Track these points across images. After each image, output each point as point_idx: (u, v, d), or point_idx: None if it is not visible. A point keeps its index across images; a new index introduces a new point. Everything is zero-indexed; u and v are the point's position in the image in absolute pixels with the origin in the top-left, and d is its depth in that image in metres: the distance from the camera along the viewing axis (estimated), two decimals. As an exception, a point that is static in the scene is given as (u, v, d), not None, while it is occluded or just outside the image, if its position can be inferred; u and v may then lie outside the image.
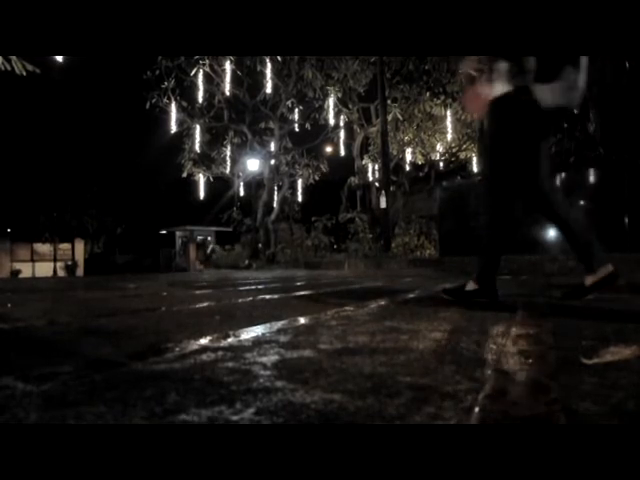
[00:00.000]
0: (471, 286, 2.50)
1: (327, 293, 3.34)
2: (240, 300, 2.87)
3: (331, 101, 17.12)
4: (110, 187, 31.00)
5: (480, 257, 2.54)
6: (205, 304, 2.60)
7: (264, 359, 1.13)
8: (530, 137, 2.43)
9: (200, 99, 17.67)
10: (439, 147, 17.15)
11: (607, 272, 2.35)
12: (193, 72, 16.97)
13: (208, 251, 23.81)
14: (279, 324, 1.74)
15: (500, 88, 2.37)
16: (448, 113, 15.98)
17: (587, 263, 2.40)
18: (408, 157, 17.48)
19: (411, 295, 2.83)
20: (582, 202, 7.07)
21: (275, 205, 18.86)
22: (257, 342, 1.36)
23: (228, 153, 19.04)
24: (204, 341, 1.38)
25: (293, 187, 19.89)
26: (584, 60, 2.32)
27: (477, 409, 0.75)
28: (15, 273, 22.46)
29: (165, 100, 17.35)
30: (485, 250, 2.53)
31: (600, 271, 2.36)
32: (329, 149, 20.59)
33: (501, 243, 2.52)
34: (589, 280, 2.38)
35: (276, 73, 17.00)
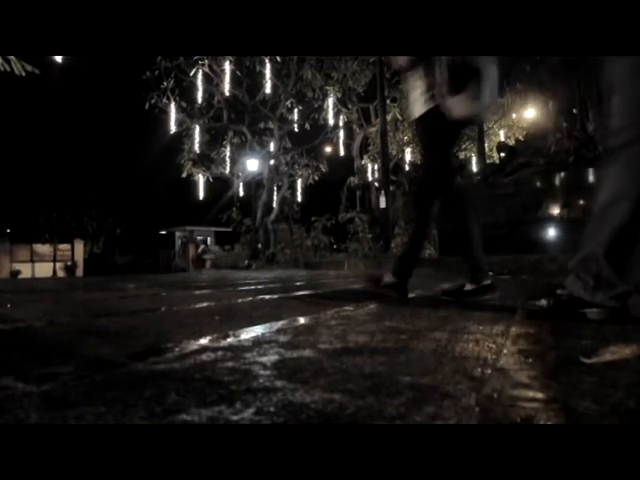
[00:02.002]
0: (469, 287, 2.61)
1: (327, 293, 3.34)
2: (240, 300, 2.87)
3: (330, 101, 17.13)
4: (110, 188, 31.01)
5: (466, 257, 2.67)
6: (205, 304, 2.60)
7: (264, 359, 1.13)
8: (443, 147, 2.69)
9: (199, 99, 17.68)
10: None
11: (486, 284, 2.61)
12: (192, 72, 16.97)
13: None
14: (279, 324, 1.74)
15: (420, 108, 2.67)
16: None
17: (473, 273, 2.63)
18: (407, 157, 17.49)
19: (411, 295, 2.83)
20: (581, 201, 7.07)
21: (275, 205, 18.86)
22: (257, 342, 1.36)
23: (227, 153, 19.04)
24: (204, 341, 1.38)
25: (293, 187, 19.89)
26: (492, 73, 2.52)
27: (477, 409, 0.75)
28: (15, 274, 22.43)
29: (164, 100, 17.35)
30: (464, 249, 2.70)
31: (482, 283, 2.61)
32: (328, 149, 20.60)
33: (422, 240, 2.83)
34: (469, 287, 2.63)
35: (275, 73, 17.01)
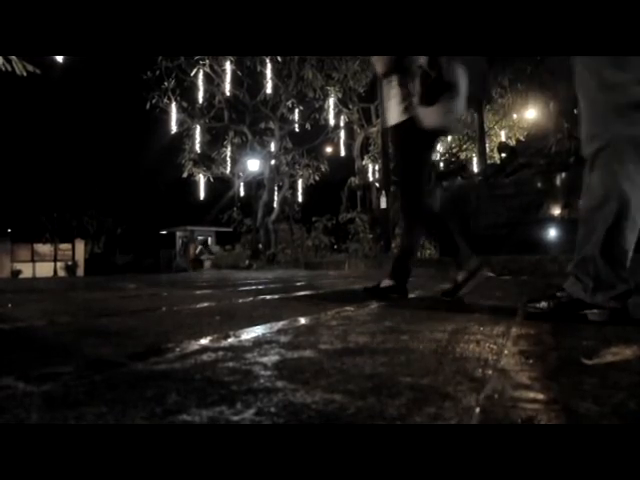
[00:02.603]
0: (460, 276, 2.66)
1: (327, 293, 3.34)
2: (240, 300, 2.87)
3: (331, 101, 17.13)
4: (110, 187, 31.02)
5: (453, 255, 2.75)
6: (205, 304, 2.60)
7: (265, 359, 1.13)
8: (416, 155, 2.81)
9: (200, 99, 17.68)
10: (439, 147, 17.15)
11: (475, 267, 2.64)
12: (193, 72, 16.97)
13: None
14: (279, 324, 1.74)
15: (394, 117, 2.79)
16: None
17: (460, 264, 2.67)
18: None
19: (411, 295, 2.82)
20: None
21: (275, 205, 18.85)
22: (257, 342, 1.36)
23: (228, 153, 19.04)
24: (204, 341, 1.38)
25: (293, 187, 19.89)
26: (463, 88, 2.64)
27: (478, 409, 0.75)
28: (16, 273, 22.44)
29: (165, 100, 17.35)
30: (448, 248, 2.77)
31: (471, 269, 2.64)
32: (329, 149, 20.59)
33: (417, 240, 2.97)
34: (460, 276, 2.64)
35: (276, 73, 17.01)
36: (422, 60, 2.61)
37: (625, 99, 1.64)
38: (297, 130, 18.56)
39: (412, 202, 2.80)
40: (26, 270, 23.22)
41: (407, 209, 2.88)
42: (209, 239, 26.22)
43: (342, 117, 17.90)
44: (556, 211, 7.53)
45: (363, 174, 18.06)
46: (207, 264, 20.72)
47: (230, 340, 1.41)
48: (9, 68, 6.59)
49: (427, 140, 2.79)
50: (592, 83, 1.73)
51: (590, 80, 1.74)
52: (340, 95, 16.88)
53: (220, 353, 1.20)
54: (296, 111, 17.98)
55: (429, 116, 2.60)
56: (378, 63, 2.87)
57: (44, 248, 25.01)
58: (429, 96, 2.58)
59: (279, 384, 0.90)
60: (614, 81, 1.66)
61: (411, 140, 2.75)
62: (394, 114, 2.80)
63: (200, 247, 23.70)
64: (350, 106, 17.42)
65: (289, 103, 17.60)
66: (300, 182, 19.67)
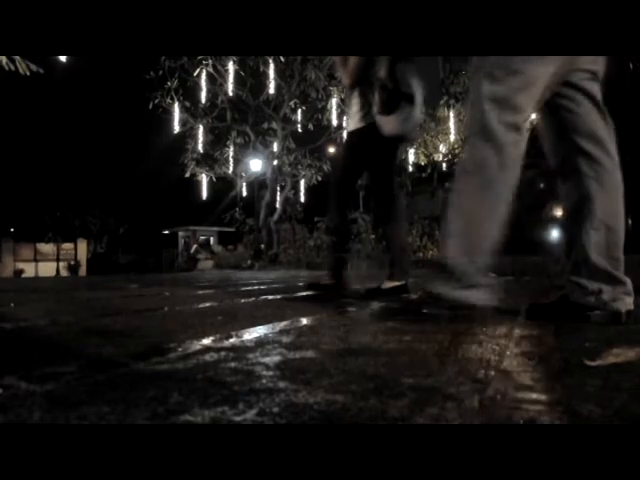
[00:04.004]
0: (387, 284, 3.04)
1: (329, 294, 3.34)
2: (242, 300, 2.87)
3: (334, 102, 17.11)
4: (113, 187, 31.06)
5: (330, 254, 3.25)
6: (208, 304, 2.60)
7: (267, 359, 1.13)
8: (360, 160, 3.15)
9: (203, 99, 17.67)
10: (442, 148, 17.15)
11: (400, 285, 3.03)
12: (196, 72, 16.97)
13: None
14: (281, 324, 1.74)
15: (355, 123, 3.10)
16: (451, 114, 15.97)
17: (392, 272, 3.05)
18: (411, 158, 17.46)
19: (414, 296, 2.82)
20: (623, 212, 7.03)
21: (278, 205, 18.84)
22: (260, 342, 1.36)
23: (231, 153, 19.02)
24: (207, 341, 1.38)
25: (296, 187, 19.86)
26: (419, 98, 2.92)
27: (480, 411, 0.75)
28: (18, 273, 22.50)
29: (168, 100, 17.35)
30: (334, 248, 3.25)
31: (396, 283, 3.02)
32: (332, 150, 20.57)
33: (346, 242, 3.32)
34: (387, 284, 3.03)
35: (279, 74, 16.99)
36: (381, 73, 2.92)
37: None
38: (300, 130, 18.54)
39: (340, 202, 3.24)
40: (29, 269, 23.28)
41: (337, 209, 3.23)
42: (211, 239, 26.23)
43: (345, 117, 17.88)
44: (558, 212, 7.51)
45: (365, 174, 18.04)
46: (206, 264, 20.64)
47: (232, 340, 1.41)
48: (12, 68, 6.60)
49: (388, 147, 3.07)
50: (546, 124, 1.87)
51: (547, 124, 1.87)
52: (343, 95, 16.86)
53: (222, 353, 1.20)
54: (299, 111, 17.96)
55: (388, 124, 2.89)
56: (345, 75, 3.18)
57: (47, 247, 25.08)
58: (387, 106, 2.88)
59: (281, 384, 0.90)
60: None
61: (366, 146, 3.07)
62: (353, 121, 3.13)
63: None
64: (352, 106, 17.39)
65: (292, 103, 17.58)
66: (302, 182, 19.65)
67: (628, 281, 1.71)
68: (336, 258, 3.25)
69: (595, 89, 1.78)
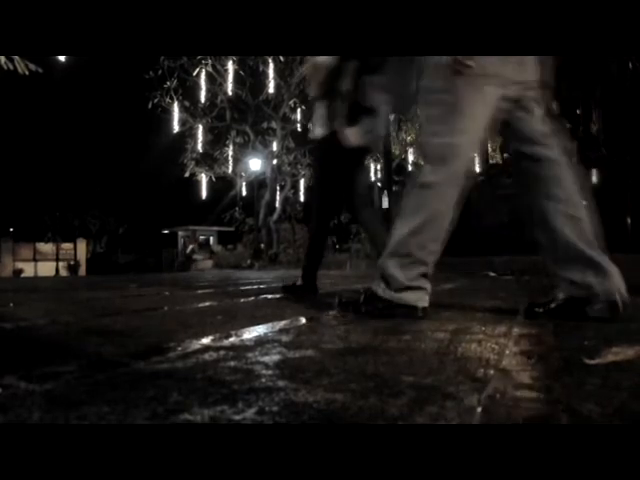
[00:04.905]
0: (299, 282, 3.26)
1: (329, 293, 3.34)
2: (242, 300, 2.88)
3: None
4: (112, 187, 31.04)
5: (306, 258, 3.39)
6: (207, 304, 2.60)
7: (266, 358, 1.13)
8: (333, 168, 3.23)
9: (202, 99, 17.67)
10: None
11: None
12: (196, 72, 16.97)
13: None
14: (281, 324, 1.74)
15: (320, 131, 3.23)
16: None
17: (306, 273, 3.28)
18: (410, 157, 17.46)
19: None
20: (584, 202, 7.04)
21: (277, 205, 18.84)
22: (259, 342, 1.36)
23: (230, 153, 19.02)
24: (206, 340, 1.39)
25: (295, 187, 19.87)
26: (382, 111, 3.16)
27: (479, 409, 0.75)
28: (18, 272, 22.49)
29: (167, 100, 17.36)
30: (309, 252, 3.39)
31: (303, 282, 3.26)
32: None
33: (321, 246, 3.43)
34: (299, 282, 3.27)
35: (278, 73, 16.99)
36: (346, 86, 3.07)
37: None
38: (299, 129, 18.53)
39: (323, 210, 3.34)
40: (28, 269, 23.26)
41: (319, 215, 3.34)
42: (211, 238, 26.20)
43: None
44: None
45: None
46: (206, 263, 20.59)
47: (232, 339, 1.41)
48: (11, 67, 6.60)
49: (352, 157, 3.20)
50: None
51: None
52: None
53: (222, 352, 1.20)
54: (298, 111, 17.96)
55: (351, 135, 3.05)
56: (312, 87, 3.39)
57: (46, 247, 25.06)
58: (350, 118, 3.05)
59: (280, 383, 0.90)
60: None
61: (328, 155, 3.22)
62: (318, 130, 3.29)
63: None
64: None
65: (291, 103, 17.58)
66: (302, 182, 19.65)
67: (615, 270, 1.75)
68: (308, 263, 3.38)
69: (529, 95, 1.88)
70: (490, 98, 1.81)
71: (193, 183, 19.83)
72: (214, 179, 19.42)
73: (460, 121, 1.81)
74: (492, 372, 0.99)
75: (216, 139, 18.90)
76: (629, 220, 6.39)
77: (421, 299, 1.86)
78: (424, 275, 1.88)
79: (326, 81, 3.17)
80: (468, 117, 1.81)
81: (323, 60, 3.16)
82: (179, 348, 1.27)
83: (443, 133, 1.83)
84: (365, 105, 3.09)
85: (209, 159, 18.87)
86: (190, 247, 23.42)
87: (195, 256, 21.84)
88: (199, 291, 3.89)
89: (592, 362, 1.07)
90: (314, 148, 3.45)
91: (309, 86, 3.58)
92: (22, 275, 21.72)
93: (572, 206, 1.85)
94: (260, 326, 1.68)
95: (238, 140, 18.81)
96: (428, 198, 1.85)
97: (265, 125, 18.65)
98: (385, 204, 11.94)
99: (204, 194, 19.87)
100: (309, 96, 3.70)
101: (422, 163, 1.91)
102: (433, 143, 1.86)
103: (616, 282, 1.72)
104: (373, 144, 3.29)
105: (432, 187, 1.84)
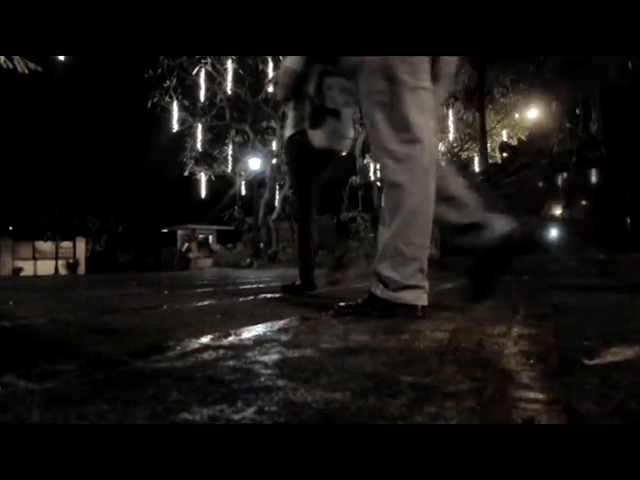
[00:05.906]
0: (298, 281, 3.38)
1: (328, 292, 3.34)
2: (241, 299, 2.88)
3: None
4: (112, 186, 31.02)
5: (299, 258, 3.49)
6: (206, 302, 2.60)
7: (265, 358, 1.13)
8: (305, 166, 3.41)
9: (202, 98, 17.67)
10: (441, 147, 17.13)
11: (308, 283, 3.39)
12: (195, 71, 16.98)
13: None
14: (280, 323, 1.74)
15: (289, 130, 3.43)
16: (450, 113, 15.96)
17: (303, 272, 3.39)
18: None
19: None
20: (584, 202, 7.06)
21: (277, 204, 18.84)
22: (258, 341, 1.36)
23: (230, 152, 19.03)
24: (206, 340, 1.39)
25: (295, 186, 19.83)
26: (348, 112, 3.31)
27: (479, 409, 0.75)
28: (17, 271, 22.46)
29: (167, 99, 17.36)
30: (301, 251, 3.49)
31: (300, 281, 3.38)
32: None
33: (311, 246, 3.49)
34: (298, 282, 3.39)
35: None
36: (310, 89, 3.21)
37: None
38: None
39: (304, 208, 3.51)
40: (27, 268, 23.23)
41: (302, 215, 3.54)
42: (210, 237, 26.18)
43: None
44: (557, 211, 7.52)
45: (364, 173, 18.04)
46: (205, 262, 20.54)
47: (231, 339, 1.41)
48: (11, 66, 6.59)
49: (319, 158, 3.35)
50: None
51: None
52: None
53: (221, 351, 1.21)
54: (298, 110, 17.93)
55: (316, 137, 3.20)
56: (278, 92, 3.53)
57: (45, 246, 25.03)
58: (314, 120, 3.19)
59: (280, 383, 0.90)
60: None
61: (298, 155, 3.39)
62: (288, 131, 3.47)
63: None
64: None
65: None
66: (302, 181, 19.61)
67: (425, 280, 1.89)
68: (303, 262, 3.45)
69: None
70: (427, 91, 1.91)
71: (192, 182, 19.85)
72: (213, 178, 19.43)
73: (409, 116, 1.86)
74: (491, 372, 0.99)
75: (215, 138, 18.91)
76: (629, 220, 6.39)
77: (420, 298, 1.87)
78: (420, 271, 1.89)
79: (293, 85, 3.26)
80: (415, 110, 1.86)
81: (292, 63, 3.21)
82: (178, 347, 1.27)
83: (396, 131, 1.87)
84: (327, 107, 3.20)
85: (208, 158, 18.87)
86: (186, 245, 23.32)
87: (190, 254, 21.77)
88: (198, 290, 3.89)
89: (591, 362, 1.07)
90: (286, 148, 3.60)
91: (276, 90, 3.70)
92: (21, 274, 21.69)
93: (424, 199, 1.90)
94: (259, 325, 1.68)
95: (237, 139, 18.82)
96: (401, 197, 1.87)
97: (264, 124, 18.66)
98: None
99: (203, 193, 19.89)
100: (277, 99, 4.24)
101: (386, 165, 1.93)
102: (390, 143, 1.89)
103: (423, 288, 1.88)
104: (340, 145, 3.39)
105: (401, 186, 1.87)
